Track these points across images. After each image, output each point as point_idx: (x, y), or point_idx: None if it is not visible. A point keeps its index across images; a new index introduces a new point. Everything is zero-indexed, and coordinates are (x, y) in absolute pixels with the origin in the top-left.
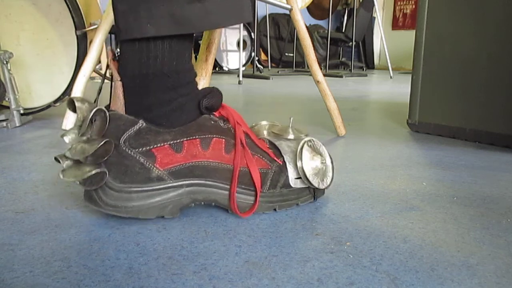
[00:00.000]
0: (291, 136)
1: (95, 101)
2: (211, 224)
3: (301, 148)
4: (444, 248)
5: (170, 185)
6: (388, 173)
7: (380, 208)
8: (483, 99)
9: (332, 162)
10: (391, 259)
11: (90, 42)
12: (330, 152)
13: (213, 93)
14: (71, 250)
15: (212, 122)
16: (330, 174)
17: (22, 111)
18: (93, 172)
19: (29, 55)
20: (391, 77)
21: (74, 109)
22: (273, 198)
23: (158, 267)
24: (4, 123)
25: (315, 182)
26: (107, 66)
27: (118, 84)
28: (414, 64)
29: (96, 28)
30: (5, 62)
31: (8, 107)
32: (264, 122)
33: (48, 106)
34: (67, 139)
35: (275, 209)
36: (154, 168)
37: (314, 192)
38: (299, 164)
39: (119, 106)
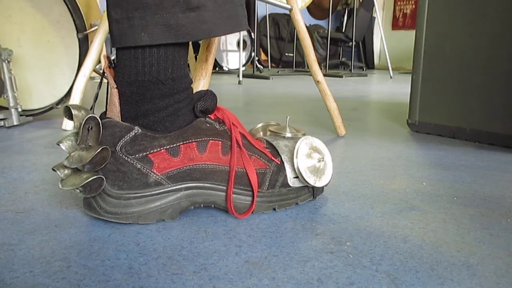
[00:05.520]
0: (288, 135)
1: (91, 108)
2: (211, 224)
3: (298, 147)
4: (444, 248)
5: (168, 189)
6: (388, 173)
7: (380, 208)
8: (483, 99)
9: (331, 160)
10: (391, 259)
11: (91, 42)
12: (330, 152)
13: (207, 96)
14: (71, 250)
15: (208, 125)
16: (328, 172)
17: (20, 109)
18: (92, 178)
19: (29, 57)
20: (391, 77)
21: (70, 117)
22: (272, 198)
23: (158, 267)
24: (2, 122)
25: (311, 181)
26: (103, 73)
27: (114, 92)
28: (414, 64)
29: (96, 29)
30: (6, 61)
31: (6, 108)
32: (259, 125)
33: (51, 108)
34: (63, 146)
35: (274, 209)
36: (152, 174)
37: (313, 191)
38: (295, 162)
39: (115, 113)
